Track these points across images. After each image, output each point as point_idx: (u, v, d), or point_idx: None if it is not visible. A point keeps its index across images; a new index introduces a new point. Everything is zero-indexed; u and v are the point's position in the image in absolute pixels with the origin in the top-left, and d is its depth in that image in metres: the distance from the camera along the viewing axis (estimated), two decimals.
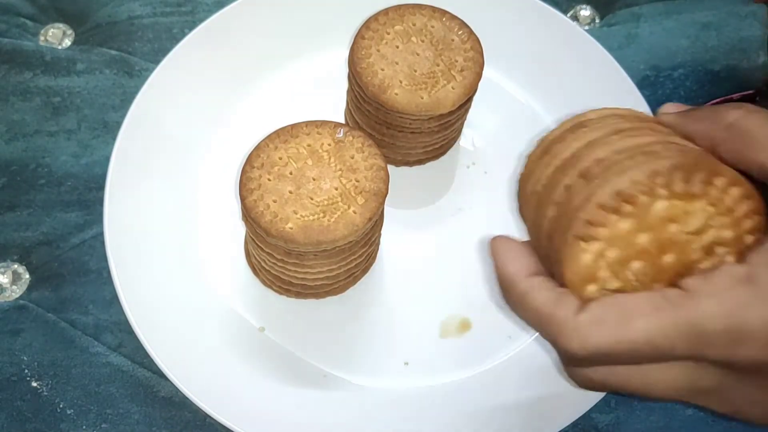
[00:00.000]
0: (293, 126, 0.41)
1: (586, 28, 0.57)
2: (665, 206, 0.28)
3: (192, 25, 0.52)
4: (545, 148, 0.33)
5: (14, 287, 0.46)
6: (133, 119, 0.48)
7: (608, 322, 0.27)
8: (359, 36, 0.45)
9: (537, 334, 0.46)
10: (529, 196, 0.33)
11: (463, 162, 0.51)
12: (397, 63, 0.44)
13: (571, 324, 0.27)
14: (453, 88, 0.44)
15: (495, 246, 0.31)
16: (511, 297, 0.30)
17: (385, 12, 0.46)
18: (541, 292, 0.29)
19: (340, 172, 0.40)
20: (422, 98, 0.44)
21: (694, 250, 0.29)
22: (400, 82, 0.44)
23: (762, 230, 0.30)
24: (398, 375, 0.44)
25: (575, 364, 0.29)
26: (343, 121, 0.51)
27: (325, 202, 0.39)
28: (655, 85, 0.55)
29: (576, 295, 0.29)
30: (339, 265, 0.42)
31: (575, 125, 0.32)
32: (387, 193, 0.40)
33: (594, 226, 0.29)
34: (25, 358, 0.44)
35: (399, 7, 0.46)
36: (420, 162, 0.50)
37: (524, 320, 0.30)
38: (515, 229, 0.48)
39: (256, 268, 0.46)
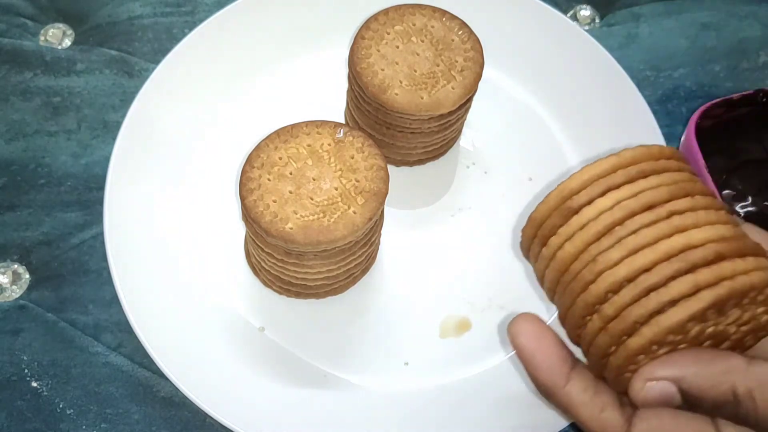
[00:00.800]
0: (293, 126, 0.41)
1: (586, 28, 0.57)
2: (702, 328, 0.28)
3: (192, 25, 0.52)
4: (537, 233, 0.30)
5: (14, 287, 0.46)
6: (133, 119, 0.48)
7: None
8: (359, 36, 0.45)
9: None
10: (541, 277, 0.31)
11: (463, 162, 0.51)
12: (397, 63, 0.44)
13: None
14: (453, 88, 0.44)
15: (521, 349, 0.31)
16: (552, 403, 0.31)
17: (385, 12, 0.46)
18: (585, 408, 0.30)
19: (340, 172, 0.40)
20: (422, 98, 0.44)
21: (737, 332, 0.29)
22: (400, 82, 0.44)
23: None
24: (398, 375, 0.44)
25: None
26: (343, 121, 0.51)
27: (325, 202, 0.39)
28: (655, 85, 0.55)
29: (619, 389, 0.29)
30: (339, 265, 0.42)
31: (563, 207, 0.29)
32: (387, 193, 0.40)
33: (634, 364, 0.28)
34: (25, 358, 0.44)
35: (399, 7, 0.46)
36: (420, 162, 0.50)
37: None
38: (515, 230, 0.48)
39: (256, 268, 0.46)
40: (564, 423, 0.42)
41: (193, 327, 0.44)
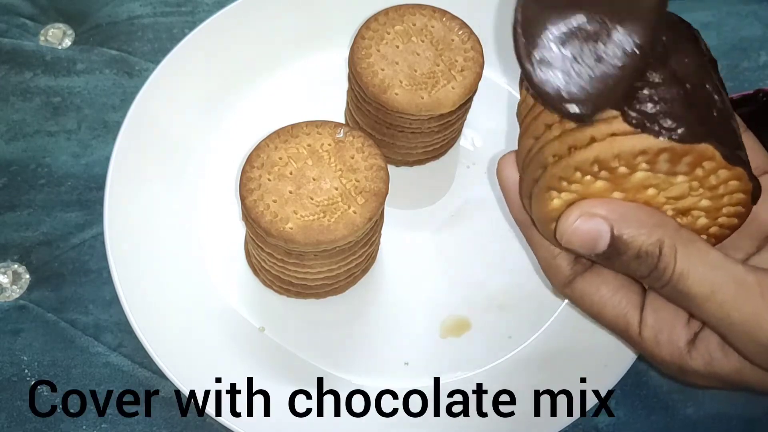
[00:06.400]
0: (293, 126, 0.41)
1: None
2: (645, 176, 0.28)
3: (192, 25, 0.52)
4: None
5: (14, 287, 0.46)
6: (133, 119, 0.48)
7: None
8: (359, 36, 0.45)
9: (537, 335, 0.46)
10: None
11: (463, 162, 0.51)
12: (397, 63, 0.44)
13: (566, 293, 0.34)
14: (453, 88, 0.44)
15: (502, 184, 0.34)
16: (522, 234, 0.35)
17: (385, 12, 0.46)
18: (542, 249, 0.33)
19: (340, 172, 0.40)
20: (422, 98, 0.44)
21: (667, 210, 0.30)
22: (401, 82, 0.44)
23: (744, 207, 0.30)
24: (398, 375, 0.44)
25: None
26: (343, 121, 0.51)
27: (325, 202, 0.39)
28: None
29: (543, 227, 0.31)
30: (339, 265, 0.42)
31: None
32: (387, 193, 0.40)
33: (567, 182, 0.29)
34: (25, 358, 0.44)
35: (399, 7, 0.46)
36: (420, 162, 0.50)
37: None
38: (515, 230, 0.48)
39: (256, 268, 0.46)
40: (564, 423, 0.42)
41: (193, 327, 0.44)
